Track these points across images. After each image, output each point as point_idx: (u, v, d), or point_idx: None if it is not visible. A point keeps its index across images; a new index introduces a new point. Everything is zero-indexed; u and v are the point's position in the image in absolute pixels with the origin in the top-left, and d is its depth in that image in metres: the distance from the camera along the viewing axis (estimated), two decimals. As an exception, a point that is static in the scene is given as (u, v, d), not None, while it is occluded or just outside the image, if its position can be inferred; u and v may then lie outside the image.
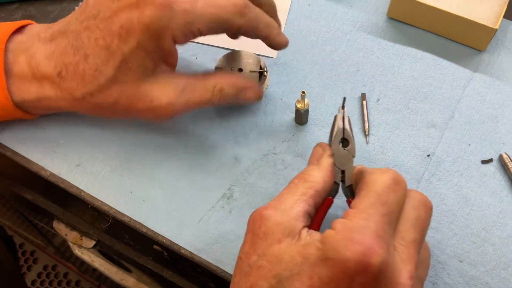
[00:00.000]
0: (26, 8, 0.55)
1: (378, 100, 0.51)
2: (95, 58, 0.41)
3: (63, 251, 1.13)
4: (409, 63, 0.54)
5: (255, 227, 0.35)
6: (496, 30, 0.51)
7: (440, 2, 0.53)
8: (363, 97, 0.51)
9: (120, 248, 0.63)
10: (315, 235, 0.34)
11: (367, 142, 0.49)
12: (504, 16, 0.55)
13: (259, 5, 0.44)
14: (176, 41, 0.41)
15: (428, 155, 0.49)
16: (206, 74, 0.45)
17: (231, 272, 0.44)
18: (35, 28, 0.45)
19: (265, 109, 0.51)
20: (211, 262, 0.44)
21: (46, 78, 0.43)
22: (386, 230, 0.33)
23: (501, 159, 0.48)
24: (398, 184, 0.36)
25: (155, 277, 0.76)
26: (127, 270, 0.82)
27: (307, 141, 0.49)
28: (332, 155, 0.40)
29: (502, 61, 0.54)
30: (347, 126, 0.41)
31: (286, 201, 0.36)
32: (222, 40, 0.53)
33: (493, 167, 0.48)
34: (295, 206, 0.36)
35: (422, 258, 0.37)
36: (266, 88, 0.50)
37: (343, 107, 0.42)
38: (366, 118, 0.50)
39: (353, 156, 0.40)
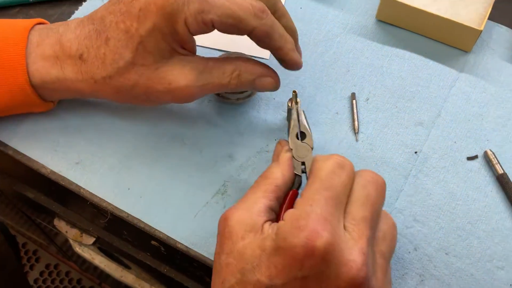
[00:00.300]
0: (26, 11, 0.55)
1: (368, 99, 0.52)
2: (115, 42, 0.41)
3: (65, 250, 1.14)
4: (397, 63, 0.54)
5: (221, 228, 0.37)
6: (481, 31, 0.51)
7: (427, 5, 0.54)
8: (353, 96, 0.51)
9: (119, 245, 0.63)
10: (275, 227, 0.35)
11: (356, 140, 0.50)
12: (489, 18, 0.55)
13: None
14: (188, 28, 0.40)
15: (416, 152, 0.49)
16: (226, 58, 0.44)
17: (225, 265, 0.44)
18: (59, 22, 0.45)
19: (259, 108, 0.51)
20: (206, 256, 0.44)
21: (67, 59, 0.42)
22: (332, 213, 0.34)
23: (486, 155, 0.49)
24: (342, 167, 0.37)
25: (154, 273, 0.76)
26: (127, 267, 0.82)
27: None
28: (290, 150, 0.41)
29: (487, 62, 0.54)
30: (302, 119, 0.42)
31: (248, 200, 0.38)
32: (217, 42, 0.54)
33: (478, 164, 0.49)
34: (257, 203, 0.37)
35: (382, 233, 0.38)
36: (259, 88, 0.51)
37: (296, 102, 0.43)
38: (355, 117, 0.50)
39: (312, 148, 0.42)
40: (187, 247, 0.45)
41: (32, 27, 0.44)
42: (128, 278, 0.84)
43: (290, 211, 0.35)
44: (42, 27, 0.44)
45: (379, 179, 0.38)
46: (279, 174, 0.40)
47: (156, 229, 0.45)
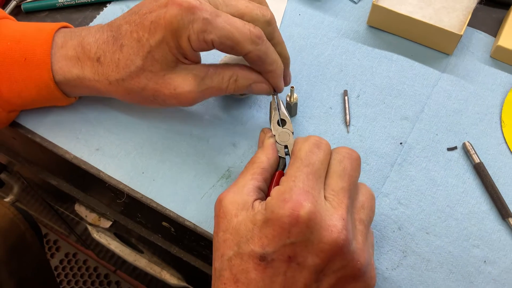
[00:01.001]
0: (53, 15, 0.57)
1: (358, 96, 0.53)
2: (128, 49, 0.42)
3: (84, 238, 1.15)
4: (385, 64, 0.55)
5: (217, 209, 0.39)
6: (461, 36, 0.53)
7: (413, 12, 0.55)
8: (345, 93, 0.53)
9: (134, 227, 0.65)
10: (264, 203, 0.37)
11: (348, 132, 0.51)
12: (469, 25, 0.57)
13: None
14: (191, 44, 0.41)
15: (401, 143, 0.51)
16: (224, 65, 0.45)
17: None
18: (82, 27, 0.47)
19: (260, 103, 0.53)
20: (211, 232, 0.46)
21: (87, 61, 0.44)
22: (312, 186, 0.36)
23: (464, 146, 0.50)
24: (319, 146, 0.39)
25: (164, 256, 0.78)
26: (140, 252, 0.84)
27: (296, 130, 0.51)
28: (273, 136, 0.44)
29: (466, 63, 0.56)
30: (282, 108, 0.45)
31: (239, 183, 0.40)
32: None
33: (457, 154, 0.50)
34: (246, 184, 0.39)
35: (361, 202, 0.40)
36: (261, 85, 0.53)
37: (275, 94, 0.46)
38: (347, 111, 0.52)
39: (292, 132, 0.44)
40: (194, 224, 0.46)
41: (57, 30, 0.46)
42: (141, 262, 0.85)
43: (276, 187, 0.37)
44: (66, 30, 0.46)
45: (354, 153, 0.40)
46: (264, 158, 0.42)
47: (167, 209, 0.47)
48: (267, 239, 0.35)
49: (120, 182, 0.48)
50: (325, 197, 0.37)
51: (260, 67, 0.44)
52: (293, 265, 0.35)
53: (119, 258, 1.00)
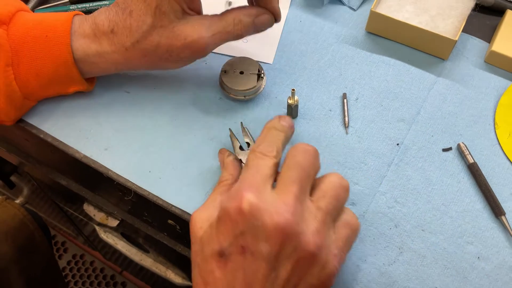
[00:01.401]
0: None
1: (357, 99, 0.54)
2: (137, 11, 0.45)
3: (92, 239, 1.16)
4: (383, 69, 0.56)
5: (189, 226, 0.41)
6: (456, 41, 0.54)
7: (410, 18, 0.56)
8: (344, 96, 0.54)
9: (140, 226, 0.65)
10: None
11: (346, 133, 0.52)
12: (463, 31, 0.58)
13: None
14: None
15: (398, 144, 0.51)
16: (226, 11, 0.47)
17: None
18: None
19: (262, 105, 0.53)
20: (215, 228, 0.47)
21: (102, 35, 0.46)
22: (257, 181, 0.37)
23: (459, 147, 0.51)
24: (264, 153, 0.39)
25: (169, 255, 0.78)
26: (145, 251, 0.85)
27: (296, 131, 0.52)
28: (230, 154, 0.47)
29: (461, 68, 0.56)
30: (247, 135, 0.49)
31: (207, 201, 0.42)
32: (228, 48, 0.56)
33: (452, 154, 0.51)
34: (214, 201, 0.41)
35: (322, 192, 0.39)
36: (263, 88, 0.53)
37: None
38: (346, 113, 0.52)
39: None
40: (198, 221, 0.47)
41: (74, 15, 0.48)
42: (147, 262, 0.86)
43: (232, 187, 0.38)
44: (81, 16, 0.48)
45: (309, 147, 0.39)
46: (228, 175, 0.44)
47: (173, 205, 0.48)
48: (222, 235, 0.36)
49: (128, 180, 0.49)
50: (275, 189, 0.37)
51: None
52: (248, 256, 0.35)
53: (125, 258, 1.01)
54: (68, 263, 1.41)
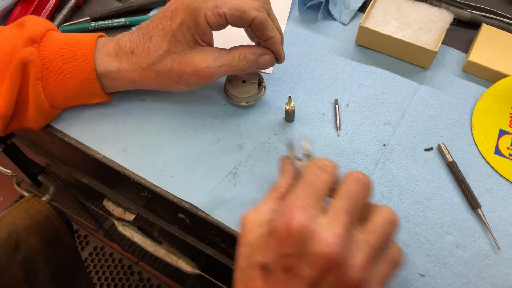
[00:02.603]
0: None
1: (347, 104, 0.55)
2: (156, 38, 0.47)
3: (111, 233, 1.17)
4: (371, 77, 0.57)
5: (241, 225, 0.38)
6: (436, 52, 0.54)
7: (395, 32, 0.57)
8: (336, 102, 0.54)
9: (154, 220, 0.66)
10: None
11: (338, 135, 0.52)
12: (443, 42, 0.58)
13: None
14: (207, 20, 0.45)
15: (384, 145, 0.52)
16: (234, 47, 0.49)
17: (233, 227, 0.47)
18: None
19: (263, 110, 0.54)
20: (220, 220, 0.47)
21: (123, 55, 0.48)
22: (311, 204, 0.34)
23: (439, 147, 0.51)
24: (322, 169, 0.37)
25: (181, 246, 0.79)
26: (159, 243, 0.86)
27: (293, 134, 0.53)
28: (291, 164, 0.41)
29: (441, 76, 0.57)
30: (306, 145, 0.42)
31: (260, 205, 0.39)
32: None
33: (433, 154, 0.51)
34: (265, 206, 0.38)
35: (373, 226, 0.36)
36: (263, 95, 0.54)
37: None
38: (338, 118, 0.53)
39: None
40: (206, 213, 0.48)
41: (98, 37, 0.50)
42: (160, 252, 0.86)
43: (282, 203, 0.36)
44: (105, 37, 0.50)
45: (364, 178, 0.37)
46: (285, 184, 0.40)
47: (183, 200, 0.48)
48: (268, 249, 0.34)
49: (143, 178, 0.50)
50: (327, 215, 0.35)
51: (263, 33, 0.47)
52: (291, 276, 0.33)
53: (141, 249, 1.02)
54: (90, 254, 1.42)
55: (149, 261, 1.28)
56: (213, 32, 0.48)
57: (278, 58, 0.49)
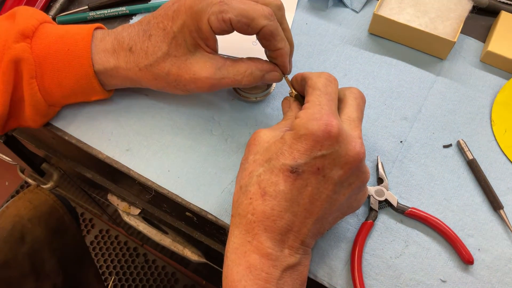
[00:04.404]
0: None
1: (361, 98, 0.50)
2: (156, 37, 0.41)
3: (115, 218, 1.13)
4: (385, 69, 0.52)
5: (251, 140, 0.38)
6: (454, 42, 0.50)
7: (411, 20, 0.52)
8: (349, 96, 0.50)
9: (160, 215, 0.62)
10: (286, 131, 0.37)
11: (352, 131, 0.48)
12: (461, 32, 0.54)
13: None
14: (211, 25, 0.39)
15: (401, 141, 0.48)
16: (240, 59, 0.43)
17: (247, 232, 0.43)
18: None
19: (272, 106, 0.50)
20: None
21: (121, 51, 0.42)
22: (334, 110, 0.36)
23: (458, 144, 0.47)
24: (331, 81, 0.38)
25: (187, 237, 0.76)
26: (165, 232, 0.82)
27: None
28: (295, 100, 0.43)
29: (459, 67, 0.52)
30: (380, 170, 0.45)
31: (274, 127, 0.39)
32: (238, 50, 0.52)
33: (452, 151, 0.47)
34: (280, 128, 0.39)
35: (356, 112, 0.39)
36: (273, 89, 0.50)
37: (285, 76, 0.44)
38: (352, 113, 0.49)
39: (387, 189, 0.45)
40: (216, 217, 0.44)
41: (95, 28, 0.44)
42: (165, 242, 0.83)
43: (303, 111, 0.35)
44: (103, 30, 0.45)
45: (363, 95, 0.40)
46: (294, 114, 0.41)
47: (191, 203, 0.44)
48: (298, 152, 0.34)
49: (148, 179, 0.45)
50: (342, 121, 0.37)
51: (271, 43, 0.41)
52: (320, 177, 0.34)
53: (147, 237, 0.98)
54: (96, 237, 1.39)
55: (154, 246, 1.24)
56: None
57: (283, 71, 0.43)
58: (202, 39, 0.40)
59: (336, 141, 0.34)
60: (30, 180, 0.91)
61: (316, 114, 0.34)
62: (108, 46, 0.43)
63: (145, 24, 0.42)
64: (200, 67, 0.41)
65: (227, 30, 0.40)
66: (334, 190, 0.35)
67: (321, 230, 0.37)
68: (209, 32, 0.40)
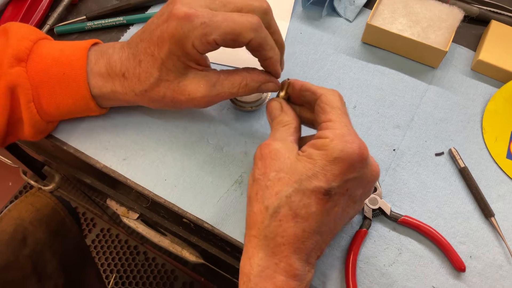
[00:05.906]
0: (82, 38, 0.53)
1: (355, 106, 0.49)
2: (145, 63, 0.39)
3: (115, 219, 1.12)
4: (378, 77, 0.51)
5: (265, 153, 0.36)
6: (446, 52, 0.49)
7: (403, 30, 0.51)
8: (343, 104, 0.49)
9: (158, 220, 0.61)
10: (310, 149, 0.34)
11: (346, 140, 0.47)
12: (453, 41, 0.53)
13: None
14: (197, 49, 0.37)
15: (394, 150, 0.47)
16: (234, 70, 0.41)
17: (241, 239, 0.42)
18: (108, 43, 0.43)
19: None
20: (226, 233, 0.42)
21: (116, 77, 0.41)
22: (354, 131, 0.35)
23: (450, 152, 0.47)
24: (342, 98, 0.37)
25: (185, 240, 0.75)
26: (163, 234, 0.81)
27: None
28: (283, 101, 0.41)
29: (450, 76, 0.52)
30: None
31: (279, 137, 0.37)
32: (234, 60, 0.51)
33: (444, 159, 0.47)
34: (287, 138, 0.37)
35: None
36: (268, 98, 0.49)
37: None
38: (345, 121, 0.48)
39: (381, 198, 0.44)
40: (212, 226, 0.43)
41: (90, 48, 0.42)
42: (164, 243, 0.82)
43: (330, 131, 0.34)
44: (96, 48, 0.42)
45: (341, 96, 0.39)
46: (291, 119, 0.39)
47: (187, 212, 0.43)
48: (332, 175, 0.33)
49: (145, 188, 0.44)
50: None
51: (261, 53, 0.39)
52: (346, 198, 0.34)
53: (145, 237, 0.97)
54: (97, 236, 1.38)
55: (153, 246, 1.23)
56: None
57: (275, 76, 0.42)
58: (191, 61, 0.39)
59: (366, 163, 0.34)
60: (32, 182, 0.90)
61: (347, 136, 0.33)
62: (102, 70, 0.41)
63: (133, 47, 0.40)
64: (195, 88, 0.40)
65: (214, 49, 0.38)
66: (354, 207, 0.36)
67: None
68: (197, 55, 0.38)
